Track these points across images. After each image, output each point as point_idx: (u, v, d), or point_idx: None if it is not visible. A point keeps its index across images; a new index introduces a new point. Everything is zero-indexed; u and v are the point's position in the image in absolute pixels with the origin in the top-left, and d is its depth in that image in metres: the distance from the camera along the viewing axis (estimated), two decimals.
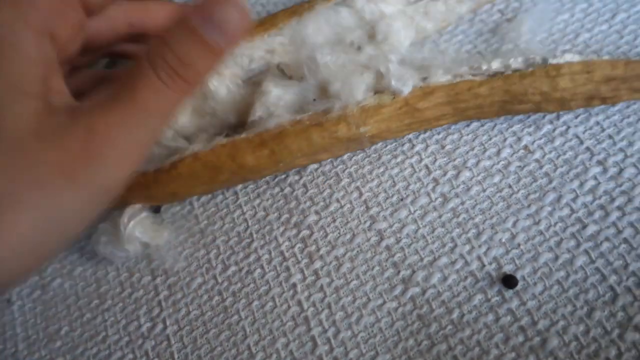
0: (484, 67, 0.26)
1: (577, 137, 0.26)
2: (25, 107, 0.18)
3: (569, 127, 0.27)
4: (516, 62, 0.25)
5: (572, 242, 0.24)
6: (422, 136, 0.28)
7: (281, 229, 0.27)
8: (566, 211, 0.25)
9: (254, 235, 0.27)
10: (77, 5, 0.21)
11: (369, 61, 0.26)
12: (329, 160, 0.28)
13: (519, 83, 0.25)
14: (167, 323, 0.26)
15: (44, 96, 0.19)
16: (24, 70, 0.19)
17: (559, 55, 0.25)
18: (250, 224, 0.28)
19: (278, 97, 0.25)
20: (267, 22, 0.28)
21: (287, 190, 0.28)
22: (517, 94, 0.25)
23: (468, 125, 0.28)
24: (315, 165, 0.28)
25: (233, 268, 0.27)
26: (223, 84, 0.27)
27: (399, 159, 0.28)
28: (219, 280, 0.27)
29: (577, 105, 0.26)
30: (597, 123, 0.26)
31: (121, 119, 0.19)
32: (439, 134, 0.28)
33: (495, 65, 0.26)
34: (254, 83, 0.27)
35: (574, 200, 0.25)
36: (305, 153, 0.25)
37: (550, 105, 0.26)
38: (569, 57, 0.25)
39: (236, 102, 0.27)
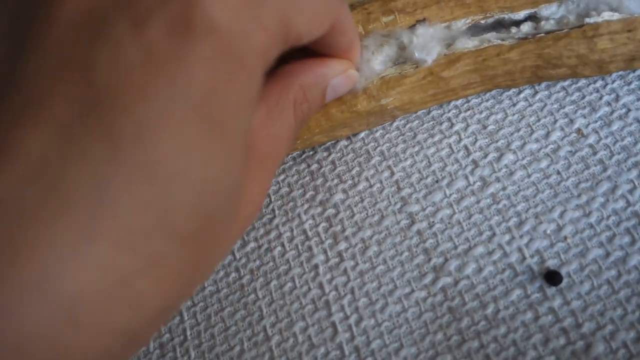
0: (513, 30, 0.23)
1: (638, 121, 0.24)
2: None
3: (629, 110, 0.24)
4: (548, 24, 0.23)
5: (627, 239, 0.21)
6: (462, 115, 0.26)
7: (305, 206, 0.25)
8: (621, 203, 0.22)
9: (276, 212, 0.26)
10: None
11: (390, 32, 0.24)
12: (360, 137, 0.26)
13: (553, 46, 0.23)
14: None
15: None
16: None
17: (595, 15, 0.23)
18: (272, 199, 0.26)
19: None
20: None
21: (314, 166, 0.26)
22: (551, 58, 0.23)
23: (514, 105, 0.25)
24: (345, 142, 0.26)
25: (252, 244, 0.25)
26: None
27: (435, 139, 0.25)
28: (237, 256, 0.25)
29: (616, 68, 0.23)
30: None
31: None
32: (481, 113, 0.25)
33: (525, 28, 0.23)
34: None
35: (631, 191, 0.22)
36: (324, 129, 0.23)
37: (587, 69, 0.23)
38: (607, 16, 0.22)
39: None
